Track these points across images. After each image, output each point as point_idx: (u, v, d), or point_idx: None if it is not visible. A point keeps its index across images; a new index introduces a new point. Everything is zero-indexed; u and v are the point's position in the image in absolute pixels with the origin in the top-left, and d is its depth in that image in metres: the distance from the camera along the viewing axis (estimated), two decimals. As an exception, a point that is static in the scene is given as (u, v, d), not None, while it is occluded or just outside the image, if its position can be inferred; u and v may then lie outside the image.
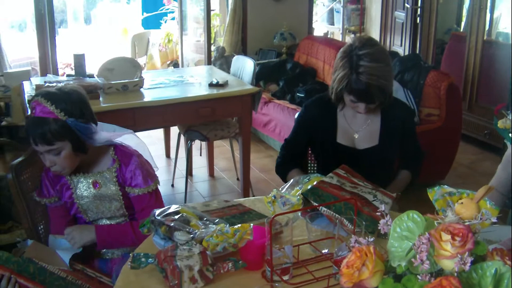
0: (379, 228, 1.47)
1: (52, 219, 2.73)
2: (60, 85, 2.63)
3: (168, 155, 6.43)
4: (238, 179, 5.79)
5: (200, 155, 6.35)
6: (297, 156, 3.17)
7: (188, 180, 5.51)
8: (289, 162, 3.10)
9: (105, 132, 2.61)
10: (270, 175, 5.88)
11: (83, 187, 2.61)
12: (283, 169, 3.09)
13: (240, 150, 5.10)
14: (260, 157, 6.36)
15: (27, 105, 4.31)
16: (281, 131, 6.07)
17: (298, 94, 6.40)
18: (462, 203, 1.53)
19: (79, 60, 4.93)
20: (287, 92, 6.67)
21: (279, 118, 6.18)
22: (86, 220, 2.67)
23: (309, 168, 3.39)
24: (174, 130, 6.20)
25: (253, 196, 5.15)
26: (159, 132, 6.50)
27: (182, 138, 5.51)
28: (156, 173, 2.76)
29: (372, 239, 1.46)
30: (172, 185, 5.69)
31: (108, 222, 2.68)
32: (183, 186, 5.43)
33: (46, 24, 6.57)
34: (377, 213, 1.73)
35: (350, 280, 1.37)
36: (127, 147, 2.67)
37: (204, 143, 6.07)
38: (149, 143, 2.65)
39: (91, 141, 2.53)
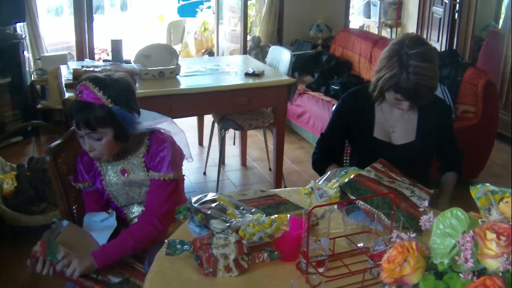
0: (416, 224, 1.45)
1: (86, 203, 2.75)
2: (109, 71, 2.61)
3: (201, 143, 6.45)
4: (270, 169, 5.79)
5: (234, 144, 6.36)
6: (333, 151, 3.15)
7: (220, 168, 5.51)
8: (326, 158, 3.07)
9: (146, 122, 2.59)
10: (303, 166, 5.87)
11: (112, 174, 2.62)
12: (321, 165, 3.04)
13: (274, 140, 5.09)
14: (293, 148, 6.34)
15: (64, 88, 4.34)
16: (315, 123, 6.06)
17: (333, 86, 6.37)
18: (507, 202, 1.50)
19: (116, 46, 4.95)
20: (322, 84, 6.64)
21: (313, 110, 6.15)
22: (118, 205, 2.68)
23: (344, 163, 3.37)
24: (207, 118, 6.22)
25: (285, 187, 5.15)
26: (192, 120, 6.50)
27: (216, 126, 5.51)
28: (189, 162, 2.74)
29: (414, 235, 1.44)
30: (204, 173, 5.70)
31: (139, 207, 2.68)
32: (214, 175, 5.43)
33: (84, 9, 6.61)
34: (420, 209, 1.71)
35: (390, 275, 1.36)
36: (163, 133, 2.64)
37: (237, 132, 6.07)
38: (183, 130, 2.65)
39: (133, 130, 2.52)
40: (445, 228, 1.39)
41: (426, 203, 1.52)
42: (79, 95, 2.41)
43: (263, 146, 5.96)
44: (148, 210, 2.55)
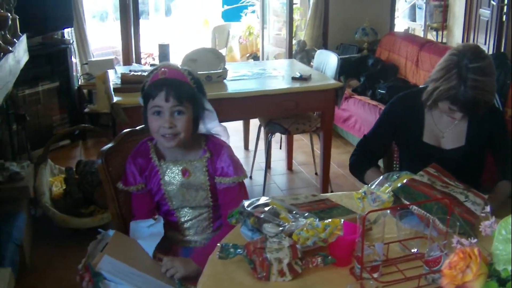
0: (471, 229, 1.42)
1: (135, 206, 2.74)
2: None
3: (246, 147, 6.46)
4: (316, 173, 5.77)
5: (280, 148, 6.35)
6: (374, 155, 3.10)
7: (267, 172, 5.50)
8: (365, 160, 3.04)
9: (210, 121, 2.66)
10: (348, 170, 5.83)
11: (172, 174, 2.62)
12: (360, 168, 3.04)
13: (320, 145, 5.06)
14: (339, 152, 6.31)
15: (112, 92, 4.37)
16: (361, 127, 6.02)
17: (379, 90, 6.33)
18: None
19: (164, 50, 4.99)
20: (368, 88, 6.60)
21: (359, 114, 6.12)
22: (170, 208, 2.67)
23: (394, 167, 3.34)
24: (253, 122, 6.22)
25: (332, 191, 5.12)
26: (238, 124, 6.52)
27: (262, 130, 5.51)
28: None
29: (475, 241, 1.41)
30: (250, 177, 5.69)
31: (190, 211, 2.67)
32: (261, 179, 5.43)
33: (130, 14, 6.70)
34: (474, 215, 1.68)
35: (452, 282, 1.34)
36: (217, 139, 2.67)
37: (283, 137, 6.06)
38: (229, 134, 2.69)
39: (203, 123, 2.62)
40: (508, 234, 1.37)
41: (488, 209, 1.50)
42: (163, 74, 2.47)
43: (308, 150, 5.94)
44: None
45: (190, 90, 2.49)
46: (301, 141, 6.64)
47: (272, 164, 6.02)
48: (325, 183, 5.12)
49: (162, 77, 2.46)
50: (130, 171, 2.66)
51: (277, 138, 6.26)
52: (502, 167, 2.93)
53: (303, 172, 5.90)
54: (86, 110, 6.86)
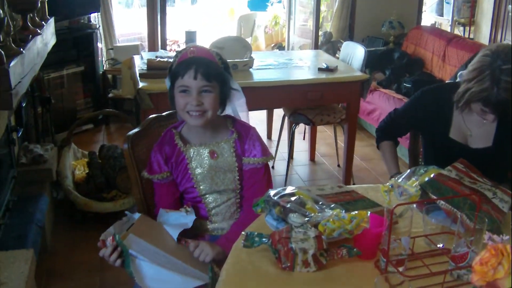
0: (498, 226, 1.40)
1: (159, 196, 2.72)
2: None
3: (269, 136, 6.45)
4: (338, 165, 5.76)
5: (303, 139, 6.34)
6: (396, 130, 3.20)
7: (289, 163, 5.50)
8: (389, 131, 3.18)
9: (237, 100, 2.68)
10: (372, 164, 5.82)
11: (199, 157, 2.61)
12: (382, 135, 3.20)
13: (345, 137, 5.04)
14: (362, 145, 6.29)
15: (138, 78, 4.38)
16: (386, 121, 5.98)
17: (405, 84, 6.30)
18: None
19: (191, 37, 5.00)
20: (393, 81, 6.56)
21: (384, 107, 6.08)
22: (198, 194, 2.66)
23: (419, 163, 3.33)
24: (276, 112, 6.21)
25: (354, 184, 5.11)
26: (261, 113, 6.51)
27: (286, 120, 5.50)
28: None
29: (507, 237, 1.39)
30: (273, 167, 5.68)
31: (218, 196, 2.67)
32: (283, 169, 5.43)
33: (157, 1, 6.68)
34: (503, 211, 1.65)
35: (483, 278, 1.32)
36: (244, 121, 2.68)
37: (307, 127, 6.04)
38: (252, 124, 2.69)
39: (229, 102, 2.63)
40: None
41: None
42: (191, 53, 2.48)
43: (331, 142, 5.93)
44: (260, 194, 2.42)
45: (218, 69, 2.50)
46: (324, 132, 6.63)
47: (295, 155, 6.01)
48: (348, 176, 5.11)
49: (191, 56, 2.47)
50: (155, 160, 2.65)
51: (300, 128, 6.24)
52: None
53: (326, 164, 5.89)
54: (110, 95, 6.88)
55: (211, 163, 2.60)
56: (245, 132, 2.65)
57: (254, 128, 2.69)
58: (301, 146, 6.21)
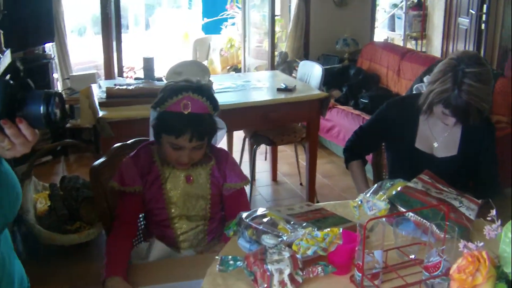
0: (467, 234, 1.42)
1: (125, 207, 2.66)
2: (195, 80, 2.62)
3: (231, 159, 6.42)
4: (301, 184, 5.78)
5: (265, 159, 6.35)
6: (366, 147, 3.20)
7: (252, 184, 5.50)
8: (357, 150, 3.17)
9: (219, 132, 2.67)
10: (333, 180, 5.85)
11: (175, 180, 2.61)
12: (350, 155, 3.18)
13: (306, 155, 5.07)
14: (323, 162, 6.32)
15: (98, 107, 4.34)
16: (345, 137, 6.02)
17: (362, 100, 6.36)
18: None
19: (149, 63, 4.97)
20: (350, 98, 6.63)
21: (343, 124, 6.14)
22: (168, 216, 2.63)
23: (384, 176, 3.36)
24: (236, 134, 6.22)
25: (318, 201, 5.13)
26: (220, 137, 6.51)
27: (247, 142, 5.51)
28: None
29: (482, 244, 1.42)
30: (236, 189, 5.66)
31: (187, 222, 2.65)
32: (246, 190, 5.39)
33: (112, 28, 6.65)
34: (471, 219, 1.68)
35: (462, 286, 1.35)
36: (218, 147, 2.70)
37: (268, 148, 6.06)
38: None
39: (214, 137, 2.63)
40: (514, 237, 1.38)
41: (493, 212, 1.51)
42: (186, 108, 2.43)
43: (293, 161, 5.95)
44: None
45: (211, 122, 2.51)
46: (285, 152, 6.64)
47: (257, 176, 6.02)
48: (312, 193, 5.13)
49: (186, 113, 2.43)
50: (129, 172, 2.61)
51: (261, 149, 6.25)
52: (480, 182, 2.96)
53: (288, 183, 5.91)
54: (68, 125, 6.81)
55: (186, 187, 2.60)
56: (223, 157, 2.68)
57: (229, 153, 2.75)
58: (263, 166, 6.22)
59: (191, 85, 2.49)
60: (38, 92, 1.47)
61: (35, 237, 4.33)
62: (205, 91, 2.50)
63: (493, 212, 1.52)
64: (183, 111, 2.42)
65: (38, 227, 4.32)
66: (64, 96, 6.60)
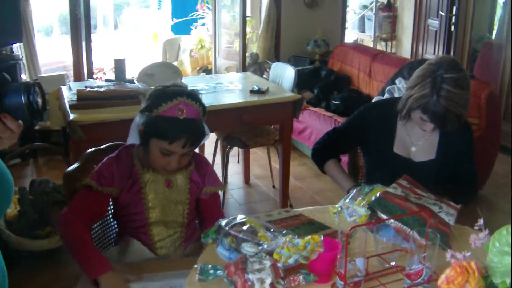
0: (446, 240, 1.41)
1: (87, 206, 2.52)
2: (177, 85, 2.57)
3: (202, 161, 6.38)
4: (273, 186, 5.75)
5: (238, 162, 6.32)
6: (338, 149, 3.15)
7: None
8: (329, 150, 3.10)
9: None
10: (306, 182, 5.84)
11: (155, 184, 2.56)
12: (322, 155, 3.10)
13: (279, 158, 5.05)
14: (295, 164, 6.29)
15: (69, 110, 4.26)
16: (317, 138, 5.98)
17: (333, 101, 6.36)
18: None
19: (120, 65, 4.91)
20: (322, 99, 6.62)
21: (314, 126, 6.13)
22: (146, 221, 2.58)
23: (360, 180, 3.35)
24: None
25: (291, 204, 5.11)
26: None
27: (219, 144, 5.48)
28: None
29: (469, 254, 1.40)
30: (208, 192, 5.62)
31: (164, 229, 2.62)
32: (219, 193, 5.38)
33: (81, 28, 6.55)
34: (449, 225, 1.67)
35: (451, 298, 1.32)
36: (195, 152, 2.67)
37: (241, 150, 6.03)
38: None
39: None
40: (502, 246, 1.36)
41: (481, 221, 1.49)
42: (181, 113, 2.38)
43: (265, 163, 5.92)
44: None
45: (202, 129, 2.48)
46: (257, 154, 6.61)
47: (229, 178, 5.97)
48: (285, 196, 5.09)
49: (182, 118, 2.39)
50: (109, 172, 2.53)
51: (233, 152, 6.22)
52: (459, 188, 2.95)
53: (261, 186, 5.88)
54: (37, 127, 6.70)
55: (166, 191, 2.57)
56: (203, 162, 2.69)
57: (205, 157, 2.75)
58: (235, 169, 6.19)
59: (184, 90, 2.46)
60: (17, 84, 1.50)
61: (5, 243, 4.24)
62: (197, 96, 2.47)
63: (481, 221, 1.50)
64: (179, 116, 2.38)
65: (8, 232, 4.24)
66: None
